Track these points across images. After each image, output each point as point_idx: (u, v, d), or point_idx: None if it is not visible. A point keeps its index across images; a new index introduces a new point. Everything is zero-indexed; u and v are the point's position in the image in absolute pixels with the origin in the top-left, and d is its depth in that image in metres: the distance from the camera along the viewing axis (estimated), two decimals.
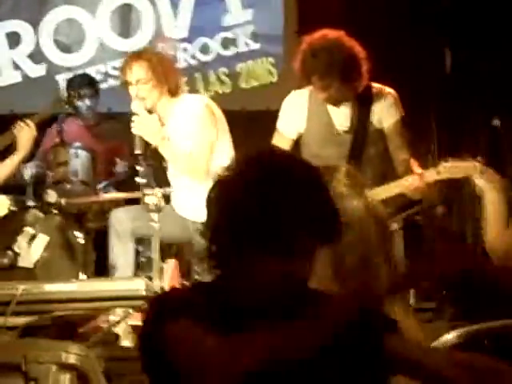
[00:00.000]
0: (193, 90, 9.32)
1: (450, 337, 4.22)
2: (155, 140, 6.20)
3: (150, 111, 6.28)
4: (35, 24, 8.76)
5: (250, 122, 8.77)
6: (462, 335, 4.23)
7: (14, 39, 9.13)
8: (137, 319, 5.95)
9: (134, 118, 6.13)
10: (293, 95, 5.99)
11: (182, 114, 6.29)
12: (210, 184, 2.55)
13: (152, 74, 6.19)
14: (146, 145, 6.37)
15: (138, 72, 6.22)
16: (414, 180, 5.53)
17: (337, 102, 5.74)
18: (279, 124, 5.97)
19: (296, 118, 5.90)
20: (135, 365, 3.17)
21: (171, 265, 6.44)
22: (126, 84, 6.37)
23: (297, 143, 6.00)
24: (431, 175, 5.53)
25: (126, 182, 7.91)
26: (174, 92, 6.33)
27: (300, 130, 5.89)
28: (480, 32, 8.26)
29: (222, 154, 6.26)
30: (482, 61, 8.16)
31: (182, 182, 6.39)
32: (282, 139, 5.92)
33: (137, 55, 6.53)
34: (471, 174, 5.35)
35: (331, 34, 5.62)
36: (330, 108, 5.79)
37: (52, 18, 9.19)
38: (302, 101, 5.90)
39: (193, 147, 6.22)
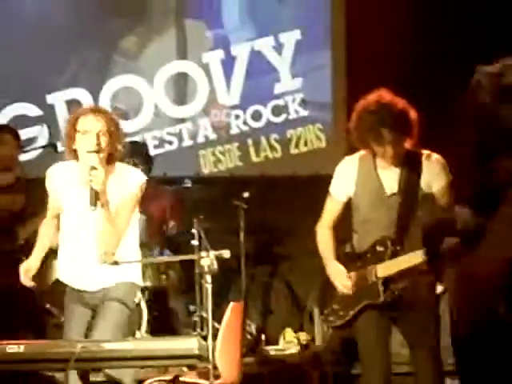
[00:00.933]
0: (245, 155, 9.40)
1: None
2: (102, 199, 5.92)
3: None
4: (95, 92, 8.83)
5: (300, 186, 8.80)
6: None
7: (72, 106, 9.20)
8: (190, 377, 5.96)
9: (94, 172, 5.80)
10: (344, 161, 6.03)
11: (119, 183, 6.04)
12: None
13: (109, 129, 5.91)
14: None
15: (99, 124, 5.94)
16: None
17: (390, 161, 5.76)
18: (331, 188, 6.01)
19: (346, 182, 5.93)
20: None
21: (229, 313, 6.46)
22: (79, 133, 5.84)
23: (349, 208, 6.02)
24: None
25: (179, 242, 7.95)
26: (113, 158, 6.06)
27: (349, 193, 5.91)
28: None
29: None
30: None
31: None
32: (334, 202, 5.96)
33: (97, 109, 6.20)
34: None
35: (386, 94, 5.68)
36: (380, 172, 5.82)
37: (111, 86, 9.27)
38: (352, 166, 5.94)
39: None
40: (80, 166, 5.85)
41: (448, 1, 8.98)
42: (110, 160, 5.83)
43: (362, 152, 5.88)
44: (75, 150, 5.84)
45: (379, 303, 5.71)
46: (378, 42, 8.80)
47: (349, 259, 5.89)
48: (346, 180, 5.93)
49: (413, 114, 5.73)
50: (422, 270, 5.76)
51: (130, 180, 5.95)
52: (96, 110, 6.02)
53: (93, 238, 5.81)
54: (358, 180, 5.89)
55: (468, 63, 8.57)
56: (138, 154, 8.14)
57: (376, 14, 8.88)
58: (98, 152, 5.73)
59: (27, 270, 5.95)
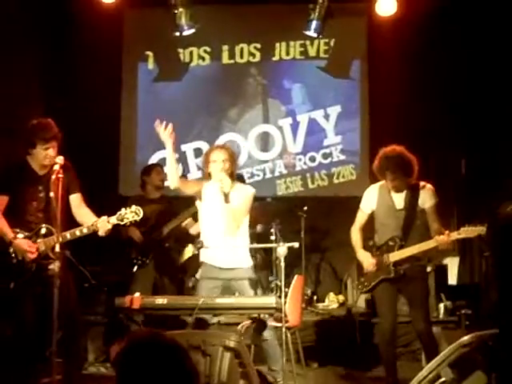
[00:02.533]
0: (305, 183, 9.36)
1: (466, 338, 4.17)
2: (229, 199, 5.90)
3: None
4: (211, 143, 8.82)
5: (339, 203, 8.77)
6: (473, 337, 4.16)
7: (197, 152, 9.25)
8: (270, 321, 5.93)
9: (223, 182, 5.80)
10: (369, 188, 6.01)
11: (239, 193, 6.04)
12: None
13: (229, 158, 5.87)
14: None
15: (223, 155, 5.89)
16: (444, 237, 5.48)
17: (398, 189, 5.73)
18: (361, 204, 5.98)
19: (370, 201, 5.90)
20: None
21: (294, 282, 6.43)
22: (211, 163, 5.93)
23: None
24: (454, 235, 5.50)
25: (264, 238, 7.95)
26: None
27: (372, 207, 5.88)
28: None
29: None
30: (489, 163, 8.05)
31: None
32: (362, 213, 5.94)
33: (222, 146, 6.27)
34: (480, 234, 5.35)
35: (397, 148, 5.67)
36: (392, 194, 5.79)
37: (221, 140, 9.27)
38: (374, 190, 5.91)
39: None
40: (213, 183, 5.93)
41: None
42: (231, 178, 5.89)
43: (382, 182, 5.85)
44: (209, 173, 5.88)
45: (390, 277, 5.67)
46: (391, 112, 8.75)
47: (371, 250, 5.86)
48: (370, 199, 5.90)
49: (412, 161, 5.70)
50: (417, 257, 5.71)
51: (246, 190, 6.07)
52: (221, 147, 6.10)
53: (222, 224, 5.90)
54: (378, 199, 5.86)
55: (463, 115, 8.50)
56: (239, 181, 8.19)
57: (389, 94, 8.80)
58: (223, 173, 5.81)
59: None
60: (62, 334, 5.41)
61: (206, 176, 6.01)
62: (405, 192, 5.77)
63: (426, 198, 5.75)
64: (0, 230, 5.32)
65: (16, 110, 7.82)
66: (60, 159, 5.22)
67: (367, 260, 5.80)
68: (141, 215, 5.31)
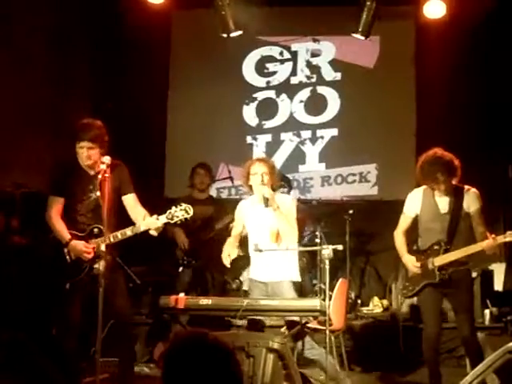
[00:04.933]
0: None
1: (510, 344, 4.16)
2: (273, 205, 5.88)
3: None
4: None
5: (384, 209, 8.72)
6: None
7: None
8: (313, 324, 5.95)
9: (264, 191, 5.84)
10: (413, 191, 5.98)
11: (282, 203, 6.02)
12: None
13: (269, 171, 5.88)
14: None
15: (263, 168, 5.90)
16: (490, 241, 5.46)
17: (443, 192, 5.70)
18: (404, 208, 5.96)
19: (414, 204, 5.88)
20: None
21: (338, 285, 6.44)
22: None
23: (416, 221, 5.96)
24: (500, 238, 5.47)
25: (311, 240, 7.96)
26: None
27: (417, 211, 5.86)
28: None
29: None
30: None
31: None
32: (406, 217, 5.92)
33: (261, 158, 6.26)
34: None
35: (439, 151, 5.67)
36: (437, 198, 5.76)
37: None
38: (418, 194, 5.89)
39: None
40: (255, 196, 5.98)
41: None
42: (271, 190, 5.91)
43: (424, 186, 5.84)
44: (250, 186, 5.93)
45: (435, 282, 5.64)
46: (438, 115, 8.69)
47: (416, 254, 5.84)
48: (414, 203, 5.89)
49: (457, 163, 5.68)
50: (463, 261, 5.67)
51: (286, 201, 6.09)
52: (261, 159, 6.12)
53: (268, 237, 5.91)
54: (422, 203, 5.85)
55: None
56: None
57: (436, 97, 8.74)
58: (263, 185, 5.82)
59: (228, 256, 5.98)
60: (113, 333, 5.56)
61: (248, 189, 6.06)
62: (449, 196, 5.74)
63: (471, 202, 5.71)
64: (58, 233, 5.42)
65: (64, 110, 7.98)
66: (107, 159, 5.29)
67: (412, 264, 5.78)
68: (191, 213, 5.29)
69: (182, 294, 5.39)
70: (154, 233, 5.35)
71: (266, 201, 5.84)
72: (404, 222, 5.94)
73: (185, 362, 2.35)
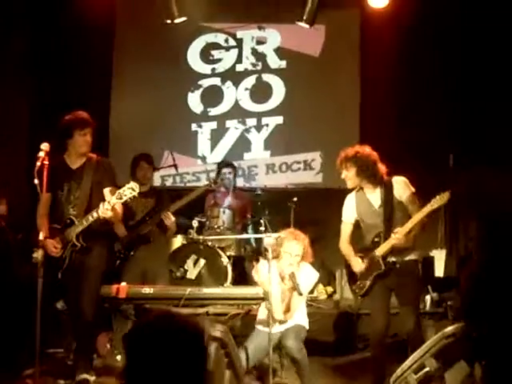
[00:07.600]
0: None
1: (450, 328, 4.21)
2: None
3: None
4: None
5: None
6: (456, 328, 4.20)
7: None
8: (255, 312, 5.96)
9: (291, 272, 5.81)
10: (346, 198, 5.98)
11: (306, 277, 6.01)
12: None
13: (303, 253, 5.94)
14: None
15: (299, 248, 5.91)
16: (418, 214, 5.54)
17: (371, 188, 5.75)
18: (343, 217, 5.95)
19: (350, 210, 5.92)
20: None
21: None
22: None
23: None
24: (428, 208, 5.50)
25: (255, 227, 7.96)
26: None
27: (355, 216, 5.91)
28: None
29: None
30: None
31: None
32: (346, 225, 5.92)
33: (296, 233, 6.09)
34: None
35: (352, 150, 5.73)
36: (368, 196, 5.83)
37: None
38: (351, 200, 5.93)
39: None
40: (277, 264, 5.85)
41: None
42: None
43: (355, 189, 5.88)
44: (277, 255, 5.86)
45: (382, 271, 5.67)
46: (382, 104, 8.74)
47: (362, 252, 5.83)
48: (350, 209, 5.97)
49: (374, 158, 5.69)
50: (405, 248, 5.71)
51: (313, 275, 6.07)
52: (298, 237, 5.99)
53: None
54: (357, 205, 5.92)
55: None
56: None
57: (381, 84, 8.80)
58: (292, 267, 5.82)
59: None
60: (72, 325, 5.89)
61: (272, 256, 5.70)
62: (379, 189, 5.79)
63: (401, 190, 5.75)
64: (38, 229, 5.58)
65: None
66: (45, 146, 5.33)
67: (359, 265, 5.81)
68: (137, 190, 5.50)
69: (123, 283, 5.35)
70: (107, 216, 5.55)
71: (293, 278, 5.74)
72: (344, 230, 5.94)
73: (152, 340, 2.33)
